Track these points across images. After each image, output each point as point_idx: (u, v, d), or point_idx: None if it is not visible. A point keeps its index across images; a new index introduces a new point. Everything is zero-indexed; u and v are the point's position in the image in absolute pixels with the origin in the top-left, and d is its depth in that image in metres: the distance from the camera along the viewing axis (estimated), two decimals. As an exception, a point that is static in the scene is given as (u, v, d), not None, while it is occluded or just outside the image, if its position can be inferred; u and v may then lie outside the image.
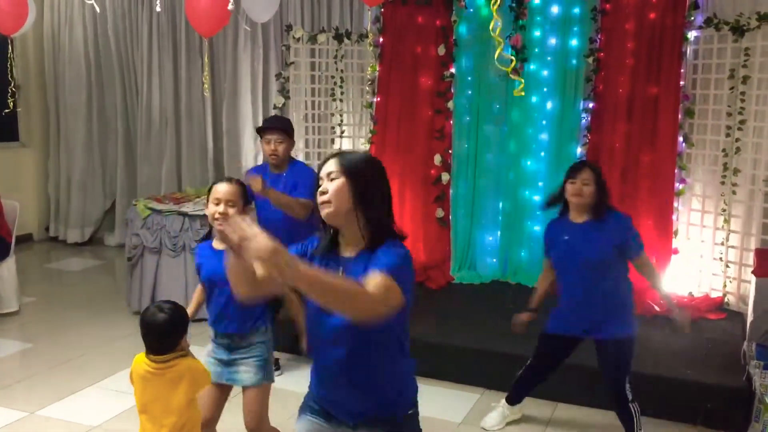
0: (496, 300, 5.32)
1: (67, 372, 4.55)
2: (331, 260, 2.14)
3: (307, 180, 4.26)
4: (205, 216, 5.08)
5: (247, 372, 3.05)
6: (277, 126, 4.33)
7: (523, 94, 5.48)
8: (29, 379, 4.44)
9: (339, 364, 2.13)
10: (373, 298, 1.89)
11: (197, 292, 3.31)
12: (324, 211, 2.08)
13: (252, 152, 6.88)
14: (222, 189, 3.00)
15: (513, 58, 5.58)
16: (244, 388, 3.11)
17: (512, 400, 3.93)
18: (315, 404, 2.27)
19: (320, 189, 2.09)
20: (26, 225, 8.12)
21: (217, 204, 2.98)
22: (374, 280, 1.93)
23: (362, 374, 2.13)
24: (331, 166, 2.10)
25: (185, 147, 7.34)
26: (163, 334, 2.70)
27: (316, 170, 2.24)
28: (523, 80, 5.39)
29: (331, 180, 2.07)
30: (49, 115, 8.07)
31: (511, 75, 4.88)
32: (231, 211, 2.96)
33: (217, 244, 3.03)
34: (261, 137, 4.38)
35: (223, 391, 3.13)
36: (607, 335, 3.51)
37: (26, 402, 4.12)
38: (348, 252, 2.14)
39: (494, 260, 6.17)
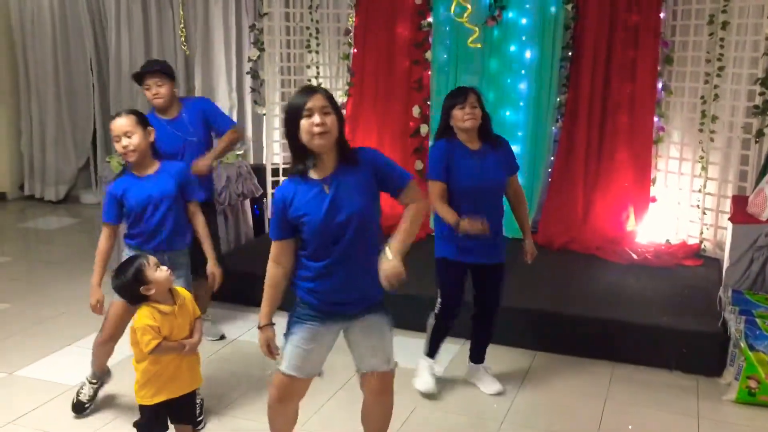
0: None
1: (45, 331, 4.52)
2: (308, 184, 2.49)
3: (216, 108, 4.34)
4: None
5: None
6: (153, 69, 4.07)
7: (479, 46, 5.49)
8: (7, 339, 4.41)
9: (348, 254, 2.49)
10: (424, 203, 2.57)
11: (103, 249, 3.34)
12: (324, 140, 2.41)
13: (227, 106, 6.75)
14: (116, 125, 3.19)
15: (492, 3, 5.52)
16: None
17: (432, 353, 3.81)
18: (311, 312, 2.57)
19: (317, 121, 2.38)
20: (0, 184, 8.00)
21: (119, 140, 3.18)
22: (410, 190, 2.55)
23: (366, 259, 2.48)
24: (322, 101, 2.42)
25: (159, 101, 7.19)
26: None
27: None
28: (477, 29, 5.37)
29: (326, 114, 2.41)
30: (18, 70, 7.87)
31: (488, 23, 4.83)
32: (132, 140, 3.17)
33: (138, 171, 3.25)
34: (140, 85, 4.11)
35: (129, 311, 3.14)
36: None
37: (4, 362, 4.09)
38: (320, 174, 2.49)
39: (474, 211, 6.16)
